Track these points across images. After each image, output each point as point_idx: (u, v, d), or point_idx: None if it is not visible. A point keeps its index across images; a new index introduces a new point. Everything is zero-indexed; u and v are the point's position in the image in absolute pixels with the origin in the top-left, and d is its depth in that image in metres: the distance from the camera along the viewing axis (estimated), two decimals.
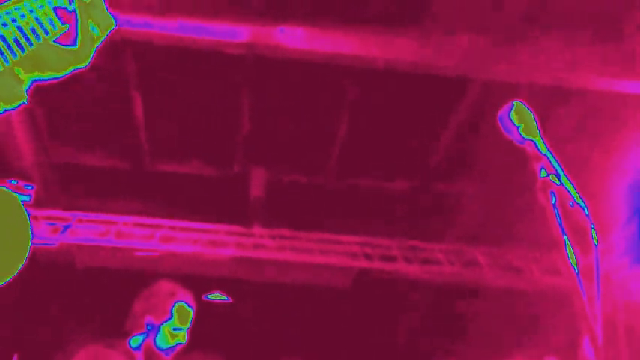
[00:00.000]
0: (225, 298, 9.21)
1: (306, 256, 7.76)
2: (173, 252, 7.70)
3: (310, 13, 5.53)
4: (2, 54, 1.61)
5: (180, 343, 4.40)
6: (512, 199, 7.10)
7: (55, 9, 1.72)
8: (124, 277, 8.30)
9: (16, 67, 1.66)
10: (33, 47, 1.66)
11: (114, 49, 5.77)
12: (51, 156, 7.56)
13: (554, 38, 5.64)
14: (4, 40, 1.61)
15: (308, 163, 7.69)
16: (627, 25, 5.53)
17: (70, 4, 1.76)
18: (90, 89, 6.39)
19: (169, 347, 4.34)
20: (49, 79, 1.76)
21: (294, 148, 7.48)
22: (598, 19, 5.54)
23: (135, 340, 4.34)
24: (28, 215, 1.82)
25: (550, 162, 2.26)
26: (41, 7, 1.69)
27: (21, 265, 1.69)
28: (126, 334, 4.37)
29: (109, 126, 7.25)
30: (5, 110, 1.64)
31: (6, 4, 1.65)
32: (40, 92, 1.83)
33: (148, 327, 4.35)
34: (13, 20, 1.63)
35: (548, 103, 6.00)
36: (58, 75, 1.77)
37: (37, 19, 1.68)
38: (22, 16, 1.65)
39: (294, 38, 5.53)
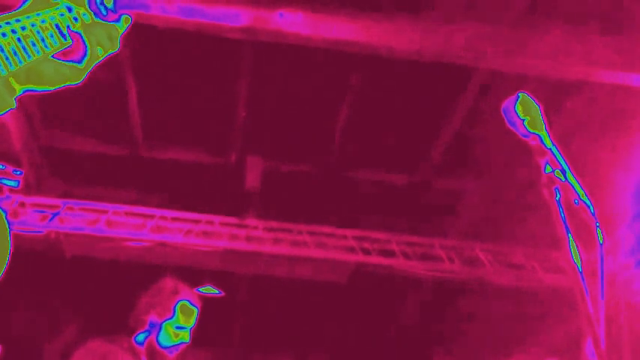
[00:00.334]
0: (217, 292, 9.10)
1: (301, 249, 7.64)
2: (164, 242, 7.58)
3: None
4: None
5: (184, 342, 4.39)
6: (515, 194, 7.07)
7: (57, 25, 1.72)
8: (113, 268, 8.22)
9: (10, 78, 1.66)
10: (31, 60, 1.64)
11: None
12: (41, 140, 7.44)
13: (560, 29, 5.56)
14: (2, 50, 1.59)
15: (306, 153, 7.61)
16: (636, 17, 5.44)
17: (74, 22, 1.76)
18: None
19: (172, 346, 4.34)
20: (41, 91, 1.77)
21: (292, 137, 7.38)
22: (606, 10, 5.46)
23: (139, 338, 4.33)
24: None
25: (555, 157, 2.21)
26: (43, 21, 1.68)
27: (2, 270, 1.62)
28: (129, 331, 4.35)
29: (101, 111, 7.15)
30: None
31: (7, 15, 1.63)
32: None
33: (151, 324, 4.34)
34: (13, 32, 1.62)
35: (555, 96, 5.94)
36: (51, 88, 1.78)
37: (38, 32, 1.67)
38: (23, 28, 1.64)
39: (294, 23, 5.44)
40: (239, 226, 7.64)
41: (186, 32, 5.57)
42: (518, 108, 2.27)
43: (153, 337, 4.36)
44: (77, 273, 8.63)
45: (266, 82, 6.63)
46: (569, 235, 2.08)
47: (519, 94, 2.29)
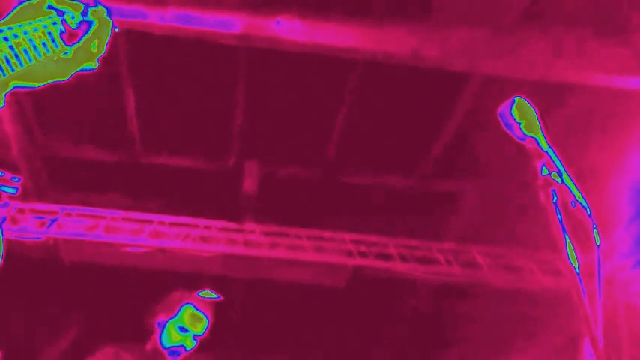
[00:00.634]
0: (216, 296, 9.08)
1: (299, 253, 7.65)
2: (163, 248, 7.57)
3: (308, 4, 5.43)
4: None
5: (184, 347, 4.39)
6: (513, 197, 7.05)
7: (50, 33, 1.74)
8: (112, 273, 8.22)
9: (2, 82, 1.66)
10: (23, 67, 1.67)
11: None
12: (39, 147, 7.42)
13: (556, 33, 5.57)
14: None
15: (303, 157, 7.59)
16: (630, 21, 5.46)
17: (84, 16, 1.80)
18: (80, 79, 6.24)
19: (172, 346, 4.34)
20: (28, 87, 1.78)
21: (289, 143, 7.37)
22: (601, 14, 5.47)
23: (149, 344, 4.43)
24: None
25: (552, 159, 2.23)
26: (36, 30, 1.70)
27: None
28: (142, 338, 4.43)
29: (99, 118, 7.12)
30: None
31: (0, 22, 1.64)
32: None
33: (158, 325, 4.43)
34: (5, 39, 1.63)
35: (551, 99, 5.94)
36: (37, 85, 1.79)
37: (30, 41, 1.69)
38: (16, 36, 1.65)
39: (290, 30, 5.45)
40: (237, 230, 7.64)
41: (182, 39, 5.57)
42: (515, 111, 2.31)
43: (157, 337, 4.38)
44: (76, 279, 8.62)
45: (263, 87, 6.62)
46: (567, 237, 2.10)
47: (515, 98, 2.33)
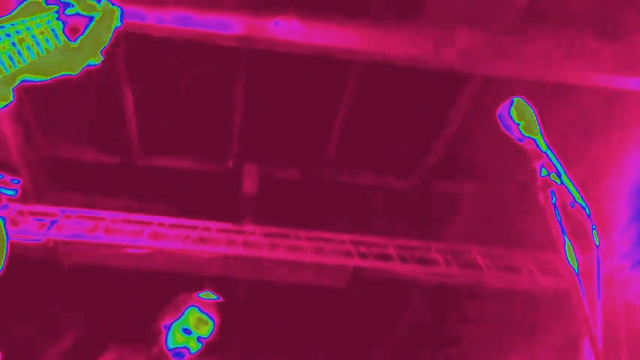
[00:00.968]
0: (216, 297, 9.08)
1: (299, 254, 7.64)
2: (162, 249, 7.57)
3: (306, 5, 5.43)
4: None
5: (188, 349, 4.39)
6: (512, 198, 7.03)
7: (53, 29, 1.74)
8: (112, 274, 8.21)
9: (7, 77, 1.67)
10: (26, 63, 1.67)
11: None
12: (38, 149, 7.42)
13: (555, 34, 5.57)
14: None
15: (302, 159, 7.60)
16: (630, 21, 5.45)
17: (86, 9, 1.79)
18: (79, 81, 6.24)
19: (176, 348, 4.34)
20: (36, 81, 1.78)
21: (288, 143, 7.37)
22: (599, 14, 5.47)
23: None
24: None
25: (551, 160, 2.23)
26: (38, 25, 1.70)
27: None
28: (143, 339, 4.47)
29: (98, 119, 7.13)
30: None
31: (1, 19, 1.65)
32: (28, 84, 1.81)
33: (164, 327, 4.45)
34: (8, 35, 1.64)
35: (550, 100, 5.92)
36: (46, 79, 1.78)
37: (33, 37, 1.69)
38: (18, 32, 1.66)
39: (289, 31, 5.44)
40: (236, 232, 7.64)
41: (181, 41, 5.58)
42: (513, 112, 2.31)
43: (162, 339, 4.39)
44: (76, 280, 8.61)
45: (262, 88, 6.62)
46: (566, 237, 2.10)
47: (514, 99, 2.33)
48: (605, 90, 5.79)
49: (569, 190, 2.19)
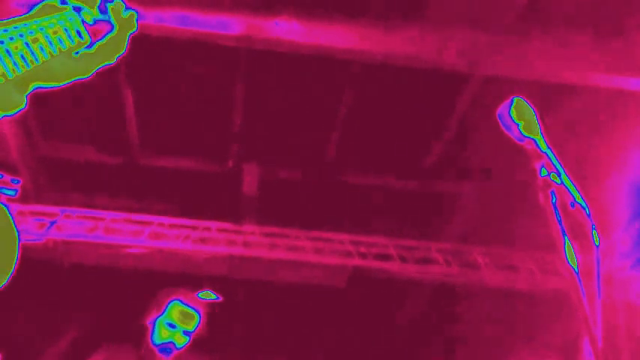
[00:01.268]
0: (216, 297, 9.09)
1: (299, 254, 7.64)
2: (162, 249, 7.57)
3: (306, 5, 5.41)
4: (6, 67, 1.61)
5: (174, 344, 4.37)
6: (512, 198, 7.04)
7: (67, 29, 1.75)
8: (112, 274, 8.21)
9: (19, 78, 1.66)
10: (39, 64, 1.66)
11: None
12: (38, 149, 7.43)
13: (555, 34, 5.55)
14: (10, 54, 1.61)
15: (302, 158, 7.59)
16: (630, 21, 5.45)
17: (101, 12, 1.81)
18: (80, 81, 6.25)
19: (162, 343, 4.33)
20: (50, 88, 1.77)
21: (288, 143, 7.37)
22: (601, 14, 5.45)
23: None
24: (15, 211, 1.77)
25: (551, 160, 2.23)
26: (52, 25, 1.70)
27: (9, 275, 1.72)
28: (138, 338, 4.44)
29: (98, 120, 7.14)
30: (4, 116, 1.66)
31: (15, 19, 1.65)
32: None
33: (150, 324, 4.43)
34: (21, 36, 1.64)
35: (550, 100, 5.92)
36: (60, 84, 1.79)
37: (46, 37, 1.69)
38: (31, 32, 1.66)
39: (289, 31, 5.43)
40: (236, 232, 7.63)
41: (181, 41, 5.56)
42: (513, 112, 2.30)
43: (148, 335, 4.38)
44: (76, 280, 8.62)
45: (262, 88, 6.62)
46: (566, 237, 2.09)
47: (514, 99, 2.31)
48: (605, 90, 5.77)
49: (569, 190, 2.18)
